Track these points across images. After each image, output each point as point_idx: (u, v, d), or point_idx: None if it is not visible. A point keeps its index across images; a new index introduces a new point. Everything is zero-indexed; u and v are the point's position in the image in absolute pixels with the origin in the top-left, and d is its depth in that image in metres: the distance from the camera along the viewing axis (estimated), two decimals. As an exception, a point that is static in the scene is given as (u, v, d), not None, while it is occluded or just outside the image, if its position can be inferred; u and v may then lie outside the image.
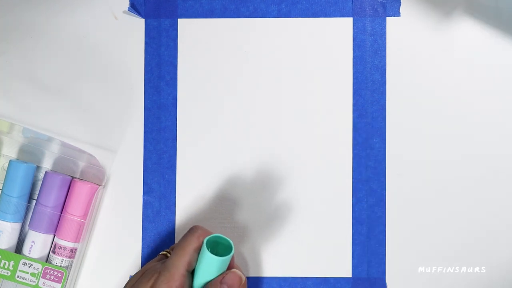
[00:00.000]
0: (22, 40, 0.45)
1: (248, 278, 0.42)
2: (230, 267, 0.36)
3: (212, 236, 0.35)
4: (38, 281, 0.42)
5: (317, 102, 0.44)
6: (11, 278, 0.42)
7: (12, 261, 0.42)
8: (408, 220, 0.43)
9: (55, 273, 0.42)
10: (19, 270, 0.42)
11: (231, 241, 0.35)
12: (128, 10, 0.44)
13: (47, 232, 0.42)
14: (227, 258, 0.34)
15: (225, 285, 0.35)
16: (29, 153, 0.44)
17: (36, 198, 0.43)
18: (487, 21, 0.43)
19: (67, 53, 0.44)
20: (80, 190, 0.42)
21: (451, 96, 0.43)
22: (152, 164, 0.44)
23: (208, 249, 0.34)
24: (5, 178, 0.42)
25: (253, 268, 0.43)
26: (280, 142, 0.44)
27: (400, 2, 0.44)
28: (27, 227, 0.43)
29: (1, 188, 0.43)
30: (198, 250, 0.36)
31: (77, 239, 0.42)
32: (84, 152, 0.43)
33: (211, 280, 0.35)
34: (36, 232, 0.42)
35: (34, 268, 0.42)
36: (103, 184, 0.44)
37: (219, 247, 0.36)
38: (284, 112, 0.44)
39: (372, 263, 0.43)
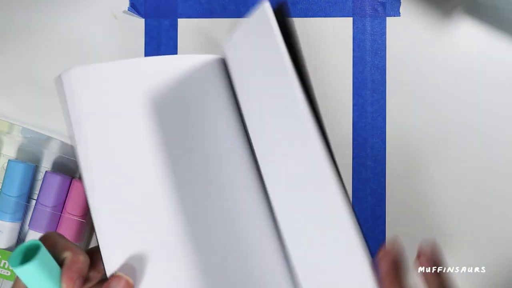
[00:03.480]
0: (22, 40, 0.45)
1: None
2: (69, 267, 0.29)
3: (15, 252, 0.28)
4: (38, 281, 0.42)
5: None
6: (11, 278, 0.42)
7: (12, 261, 0.42)
8: (408, 220, 0.43)
9: (55, 273, 0.42)
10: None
11: (35, 241, 0.28)
12: (128, 10, 0.44)
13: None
14: (36, 263, 0.28)
15: None
16: (29, 153, 0.44)
17: (35, 198, 0.43)
18: (487, 21, 0.43)
19: (67, 53, 0.45)
20: (80, 190, 0.42)
21: (451, 95, 0.43)
22: (152, 164, 0.44)
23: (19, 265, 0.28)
24: (4, 178, 0.42)
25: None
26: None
27: (400, 2, 0.44)
28: (27, 227, 0.43)
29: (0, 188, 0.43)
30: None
31: (77, 239, 0.42)
32: (84, 152, 0.43)
33: None
34: (36, 232, 0.42)
35: (34, 268, 0.42)
36: (103, 184, 0.44)
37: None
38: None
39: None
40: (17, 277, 0.29)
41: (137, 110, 0.33)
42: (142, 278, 0.31)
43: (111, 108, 0.32)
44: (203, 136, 0.34)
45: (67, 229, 0.42)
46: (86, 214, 0.42)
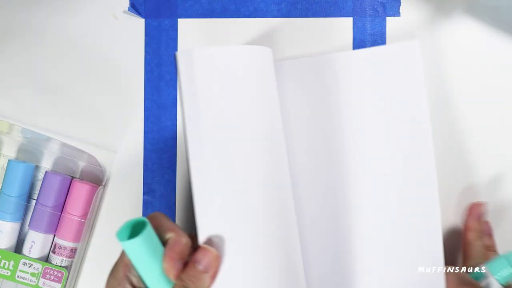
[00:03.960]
0: (22, 40, 0.45)
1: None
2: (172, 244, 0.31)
3: (122, 227, 0.30)
4: (38, 281, 0.42)
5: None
6: (11, 278, 0.42)
7: (12, 261, 0.42)
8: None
9: (55, 273, 0.42)
10: (19, 270, 0.42)
11: (142, 218, 0.30)
12: (128, 10, 0.44)
13: (47, 232, 0.42)
14: (142, 239, 0.29)
15: (199, 265, 0.31)
16: (29, 153, 0.44)
17: (36, 198, 0.43)
18: (487, 21, 0.43)
19: (67, 53, 0.45)
20: (80, 190, 0.42)
21: (450, 96, 0.43)
22: (152, 164, 0.44)
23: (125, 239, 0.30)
24: (4, 177, 0.42)
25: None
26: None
27: (400, 2, 0.44)
28: (27, 227, 0.43)
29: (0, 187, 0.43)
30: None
31: (77, 239, 0.42)
32: (84, 152, 0.43)
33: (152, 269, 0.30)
34: (36, 232, 0.42)
35: (34, 268, 0.42)
36: (103, 184, 0.44)
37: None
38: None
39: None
40: (123, 252, 0.32)
41: (245, 94, 0.34)
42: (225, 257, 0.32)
43: (220, 89, 0.34)
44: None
45: (67, 229, 0.42)
46: (86, 214, 0.42)
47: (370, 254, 0.40)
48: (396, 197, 0.39)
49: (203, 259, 0.31)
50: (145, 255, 0.30)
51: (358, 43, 0.44)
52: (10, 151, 0.44)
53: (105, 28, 0.44)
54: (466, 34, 0.44)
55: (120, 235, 0.30)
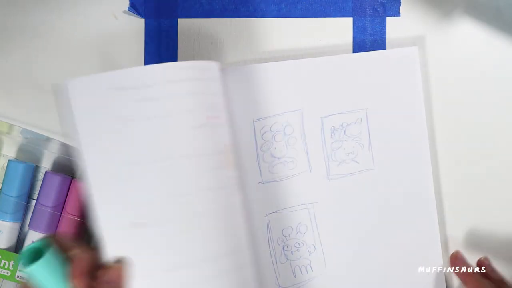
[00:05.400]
0: (22, 40, 0.45)
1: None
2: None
3: (23, 253, 0.31)
4: (38, 281, 0.42)
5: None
6: (11, 278, 0.42)
7: (12, 261, 0.42)
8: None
9: (55, 273, 0.42)
10: (19, 270, 0.42)
11: (43, 241, 0.31)
12: (128, 10, 0.44)
13: (47, 232, 0.42)
14: (44, 261, 0.30)
15: (106, 278, 0.31)
16: (29, 153, 0.44)
17: (36, 198, 0.43)
18: (487, 21, 0.43)
19: (67, 53, 0.45)
20: (80, 190, 0.42)
21: (450, 96, 0.43)
22: (152, 164, 0.44)
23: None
24: (4, 177, 0.42)
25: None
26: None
27: (400, 2, 0.44)
28: (27, 227, 0.43)
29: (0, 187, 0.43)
30: None
31: (77, 239, 0.42)
32: (84, 152, 0.43)
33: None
34: (36, 232, 0.42)
35: (34, 268, 0.42)
36: (103, 184, 0.44)
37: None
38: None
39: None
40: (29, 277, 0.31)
41: (136, 117, 0.33)
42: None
43: (112, 116, 0.32)
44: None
45: (67, 229, 0.42)
46: (86, 214, 0.42)
47: (370, 254, 0.40)
48: (394, 198, 0.40)
49: (108, 273, 0.31)
50: (50, 277, 0.30)
51: (358, 43, 0.44)
52: (10, 151, 0.44)
53: (105, 28, 0.44)
54: (466, 34, 0.44)
55: (23, 261, 0.30)
